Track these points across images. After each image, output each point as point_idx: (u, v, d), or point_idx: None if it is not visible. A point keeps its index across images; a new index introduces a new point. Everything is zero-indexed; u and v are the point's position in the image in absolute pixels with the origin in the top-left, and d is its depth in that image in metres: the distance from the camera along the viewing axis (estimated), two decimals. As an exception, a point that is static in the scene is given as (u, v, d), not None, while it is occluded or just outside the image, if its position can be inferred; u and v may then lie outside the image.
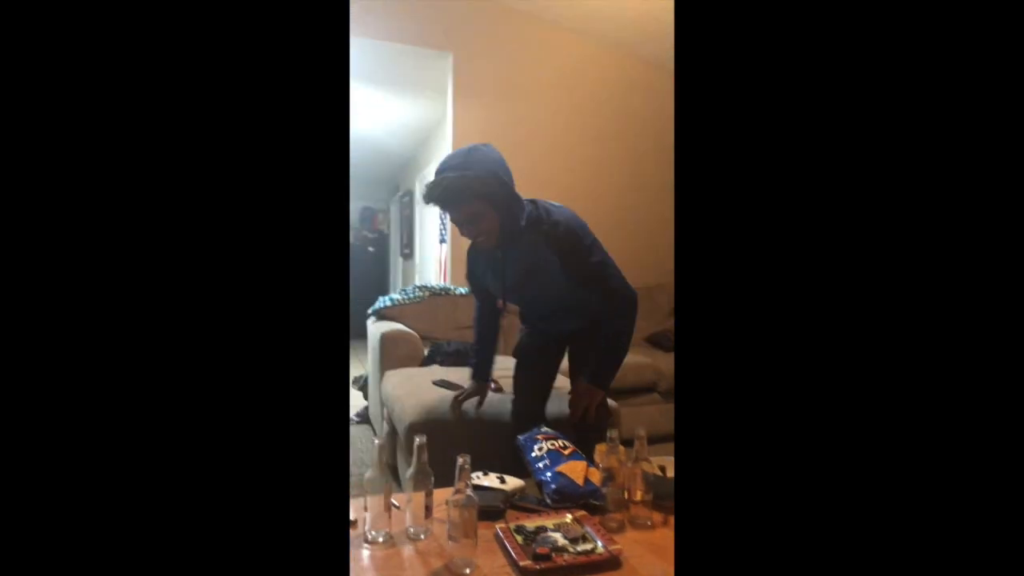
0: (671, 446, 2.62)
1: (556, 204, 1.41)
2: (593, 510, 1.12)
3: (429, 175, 5.01)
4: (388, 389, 2.07)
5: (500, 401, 1.79)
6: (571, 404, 1.47)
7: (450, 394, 1.76)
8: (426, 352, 2.39)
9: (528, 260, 1.37)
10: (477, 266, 1.54)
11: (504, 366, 1.84)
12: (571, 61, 3.15)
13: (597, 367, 1.44)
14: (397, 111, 4.17)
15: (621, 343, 1.43)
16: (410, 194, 5.47)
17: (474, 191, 1.23)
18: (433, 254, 4.36)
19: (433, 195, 1.25)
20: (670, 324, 3.05)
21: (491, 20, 2.98)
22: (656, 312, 3.11)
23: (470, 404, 1.70)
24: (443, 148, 3.60)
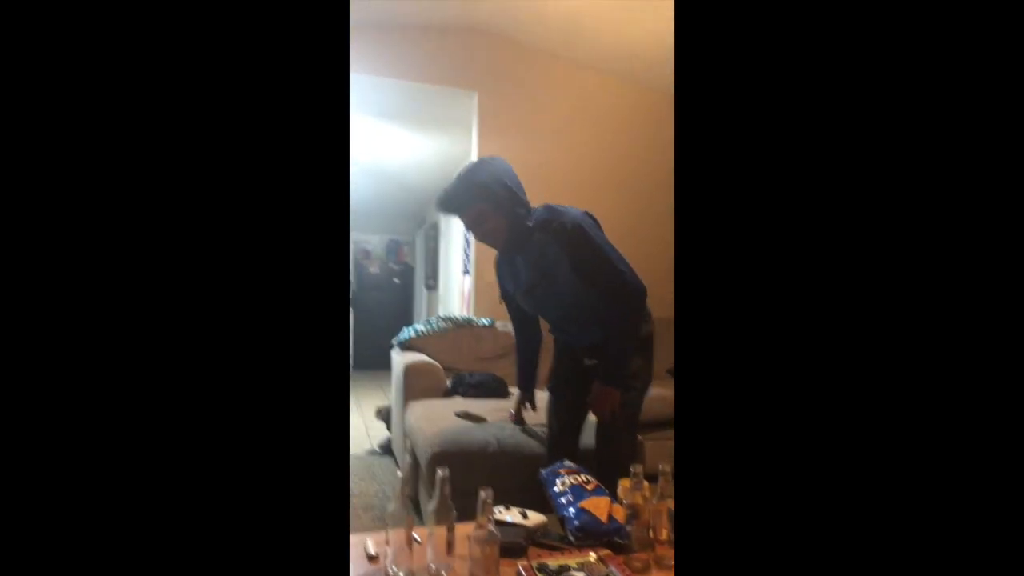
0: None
1: (567, 206, 1.45)
2: (618, 549, 1.09)
3: (454, 208, 4.98)
4: (411, 420, 2.08)
5: (522, 433, 1.78)
6: (593, 410, 1.47)
7: (471, 426, 1.76)
8: (449, 383, 2.39)
9: (540, 260, 1.41)
10: (504, 280, 1.59)
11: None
12: (590, 96, 3.22)
13: (608, 364, 1.43)
14: (423, 147, 4.29)
15: (629, 336, 1.42)
16: (435, 227, 5.57)
17: (475, 195, 1.37)
18: (457, 286, 4.41)
19: (441, 201, 1.42)
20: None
21: (514, 59, 3.07)
22: (681, 344, 3.06)
23: (492, 434, 1.70)
24: (467, 182, 3.67)
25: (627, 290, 1.39)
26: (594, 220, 1.45)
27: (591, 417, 1.56)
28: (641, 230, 3.24)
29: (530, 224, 1.40)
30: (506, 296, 1.63)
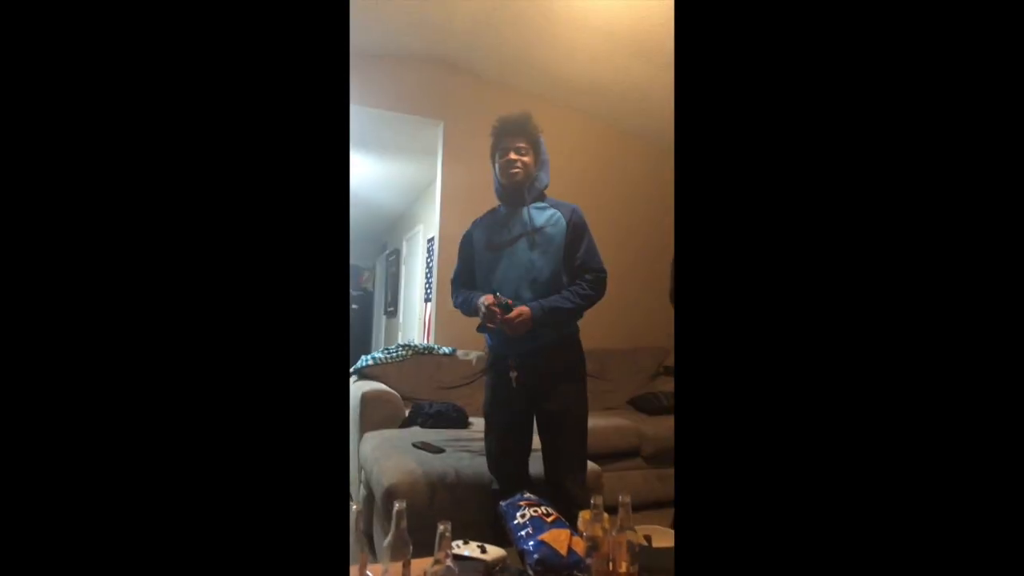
0: (656, 514, 2.55)
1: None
2: (577, 582, 1.08)
3: (416, 234, 5.02)
4: (366, 451, 2.01)
5: (481, 464, 1.75)
6: (509, 326, 1.43)
7: (430, 457, 1.72)
8: (407, 413, 2.34)
9: (540, 222, 1.52)
10: (478, 229, 1.63)
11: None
12: (555, 131, 3.31)
13: (546, 303, 1.45)
14: (388, 173, 4.29)
15: (577, 303, 1.47)
16: (396, 252, 5.52)
17: (531, 133, 1.55)
18: (417, 313, 4.36)
19: (503, 118, 1.55)
20: (653, 386, 3.05)
21: (481, 93, 3.14)
22: (639, 374, 3.10)
23: (450, 465, 1.66)
24: (431, 209, 3.68)
25: (599, 279, 1.51)
26: None
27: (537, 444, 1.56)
28: (615, 260, 3.32)
29: (542, 184, 1.57)
30: (467, 245, 1.65)
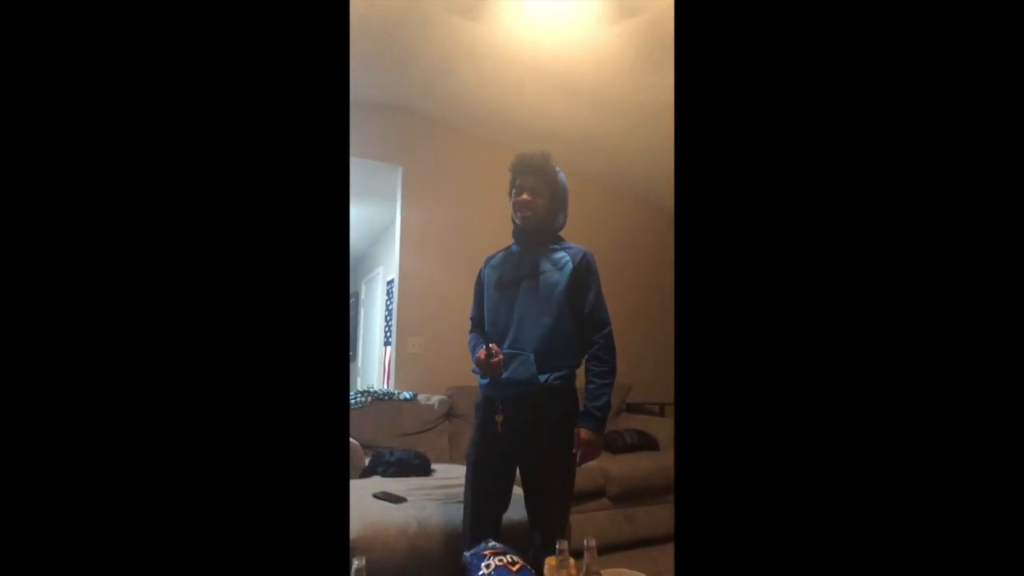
0: (623, 556, 2.50)
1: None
2: (545, 634, 1.04)
3: (376, 277, 4.95)
4: (324, 505, 1.92)
5: (444, 513, 1.70)
6: (582, 461, 1.43)
7: (390, 507, 1.66)
8: (367, 462, 2.26)
9: (546, 266, 1.48)
10: (494, 268, 1.60)
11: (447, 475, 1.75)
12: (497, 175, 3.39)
13: (596, 402, 1.41)
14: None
15: (611, 371, 1.44)
16: (356, 295, 5.44)
17: (548, 174, 1.52)
18: (376, 356, 4.27)
19: (521, 156, 1.53)
20: (616, 424, 3.05)
21: (440, 137, 3.20)
22: (603, 413, 3.11)
23: (412, 516, 1.60)
24: (390, 251, 3.66)
25: (606, 330, 1.46)
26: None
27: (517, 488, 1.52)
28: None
29: (558, 225, 1.55)
30: (478, 283, 1.64)
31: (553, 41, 2.32)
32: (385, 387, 2.99)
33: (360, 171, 3.25)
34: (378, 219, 4.18)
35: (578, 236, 1.63)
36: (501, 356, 1.41)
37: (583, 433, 1.41)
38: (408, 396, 2.69)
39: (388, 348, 3.67)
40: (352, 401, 2.59)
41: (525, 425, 1.44)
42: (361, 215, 4.20)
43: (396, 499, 1.79)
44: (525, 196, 1.50)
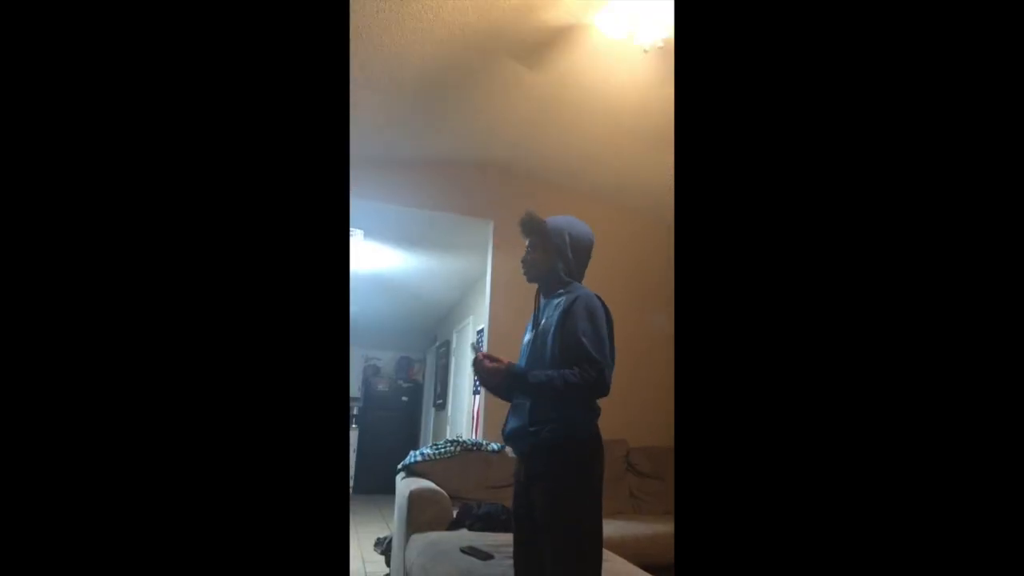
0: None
1: (588, 290, 1.51)
2: None
3: (466, 326, 5.07)
4: (412, 556, 1.91)
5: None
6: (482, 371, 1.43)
7: (478, 564, 1.61)
8: (455, 514, 2.23)
9: (549, 320, 1.46)
10: (530, 326, 1.61)
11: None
12: (597, 225, 3.39)
13: (538, 376, 1.37)
14: (440, 267, 4.45)
15: (568, 382, 1.33)
16: (447, 344, 5.58)
17: (539, 229, 1.56)
18: (466, 406, 4.30)
19: (522, 220, 1.58)
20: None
21: (531, 191, 3.29)
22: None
23: (500, 574, 1.53)
24: (481, 302, 3.74)
25: (589, 373, 1.34)
26: (604, 310, 1.46)
27: None
28: (637, 347, 3.24)
29: (560, 274, 1.54)
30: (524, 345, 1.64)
31: (619, 82, 2.33)
32: (474, 437, 2.98)
33: (452, 225, 3.40)
34: (469, 270, 4.31)
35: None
36: (498, 365, 1.41)
37: (500, 362, 1.41)
38: (496, 447, 2.67)
39: (477, 397, 3.69)
40: (442, 450, 2.60)
41: (533, 481, 1.37)
42: (453, 267, 4.36)
43: (484, 555, 1.74)
44: (522, 255, 1.60)
